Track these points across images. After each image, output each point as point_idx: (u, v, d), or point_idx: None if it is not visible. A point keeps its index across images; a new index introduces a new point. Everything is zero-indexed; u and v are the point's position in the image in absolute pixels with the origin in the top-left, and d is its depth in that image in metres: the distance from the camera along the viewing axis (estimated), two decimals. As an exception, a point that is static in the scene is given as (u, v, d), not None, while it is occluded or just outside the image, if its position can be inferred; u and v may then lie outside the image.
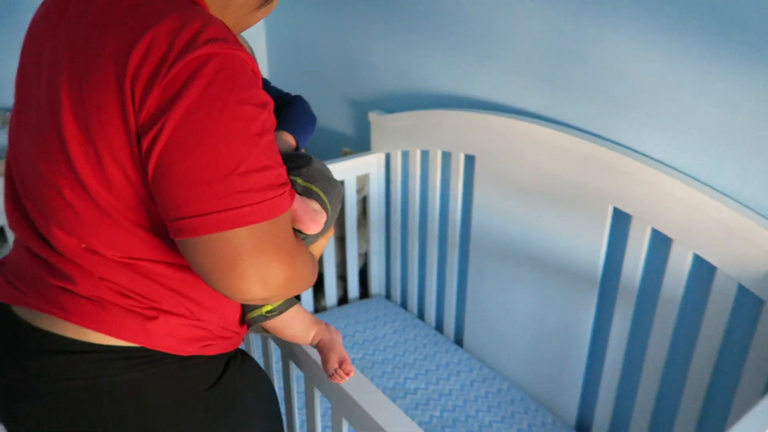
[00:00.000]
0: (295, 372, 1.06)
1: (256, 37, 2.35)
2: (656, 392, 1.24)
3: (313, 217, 0.76)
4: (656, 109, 1.15)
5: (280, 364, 1.43)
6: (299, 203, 0.75)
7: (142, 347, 0.74)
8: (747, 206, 1.06)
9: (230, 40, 0.66)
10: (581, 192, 1.27)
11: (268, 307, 0.84)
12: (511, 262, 1.48)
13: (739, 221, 1.03)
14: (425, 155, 1.70)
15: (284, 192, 0.67)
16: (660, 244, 1.19)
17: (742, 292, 1.07)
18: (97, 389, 0.72)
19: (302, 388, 1.41)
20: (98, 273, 0.72)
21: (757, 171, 1.04)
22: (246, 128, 0.63)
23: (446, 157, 1.64)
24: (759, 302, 1.06)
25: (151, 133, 0.62)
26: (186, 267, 0.75)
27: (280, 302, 0.85)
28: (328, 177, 0.84)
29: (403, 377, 1.55)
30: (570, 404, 1.42)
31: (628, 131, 1.21)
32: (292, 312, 0.87)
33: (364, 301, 1.93)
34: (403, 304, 1.93)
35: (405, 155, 1.77)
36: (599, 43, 1.20)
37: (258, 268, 0.64)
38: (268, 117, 0.67)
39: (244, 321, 0.87)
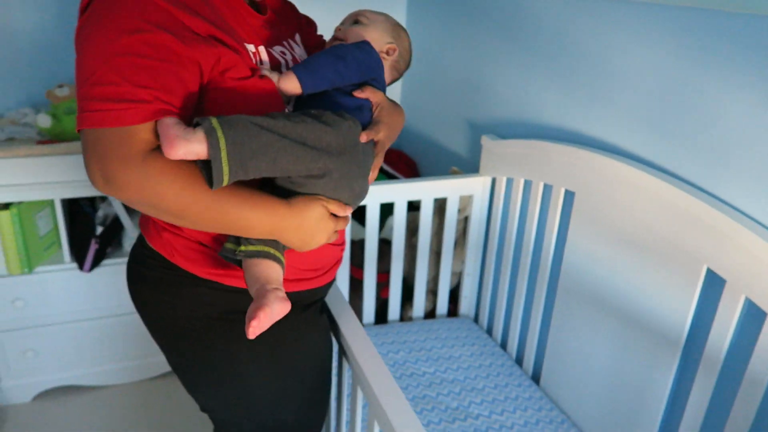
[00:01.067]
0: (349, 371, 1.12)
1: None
2: (730, 475, 1.14)
3: (172, 143, 0.74)
4: (765, 170, 1.06)
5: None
6: (168, 127, 0.75)
7: (166, 258, 0.95)
8: None
9: None
10: (675, 247, 1.20)
11: (242, 247, 0.86)
12: (596, 308, 1.43)
13: None
14: (528, 185, 1.69)
15: (127, 108, 0.75)
16: (754, 317, 1.10)
17: (839, 386, 0.96)
18: (142, 275, 0.99)
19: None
20: None
21: None
22: (102, 48, 0.76)
23: (548, 189, 1.62)
24: None
25: None
26: None
27: (255, 248, 0.85)
28: (269, 131, 0.77)
29: (468, 401, 1.56)
30: (636, 467, 1.34)
31: (735, 189, 1.13)
32: (256, 262, 0.84)
33: (452, 319, 1.95)
34: (489, 330, 1.92)
35: (509, 182, 1.77)
36: (715, 97, 1.14)
37: (100, 165, 0.76)
38: (135, 43, 0.76)
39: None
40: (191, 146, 0.74)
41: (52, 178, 1.75)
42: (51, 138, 1.81)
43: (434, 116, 2.28)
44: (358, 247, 1.92)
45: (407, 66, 1.09)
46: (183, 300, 0.94)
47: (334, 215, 0.89)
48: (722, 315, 1.13)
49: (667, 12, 1.23)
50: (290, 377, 1.01)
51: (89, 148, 0.76)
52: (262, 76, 0.88)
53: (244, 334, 0.94)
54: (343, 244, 1.10)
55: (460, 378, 1.65)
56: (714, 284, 1.16)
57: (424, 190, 1.81)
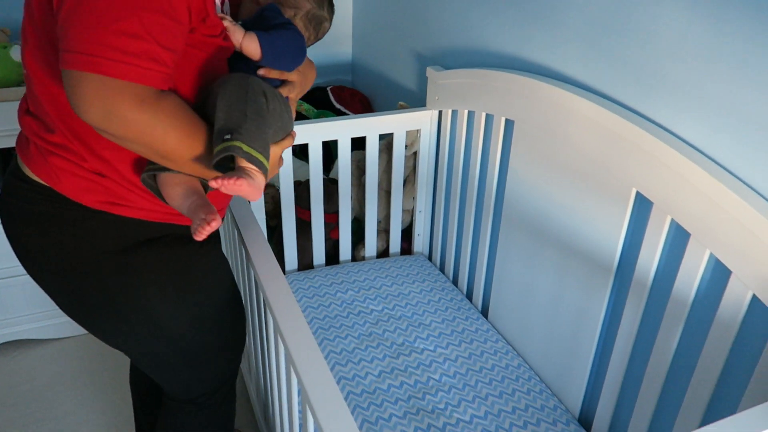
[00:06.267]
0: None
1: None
2: (660, 391, 1.15)
3: (259, 189, 0.81)
4: (695, 90, 1.02)
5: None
6: (239, 181, 0.78)
7: (51, 187, 0.88)
8: (779, 209, 0.93)
9: None
10: (607, 171, 1.17)
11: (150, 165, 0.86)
12: (535, 236, 1.42)
13: (764, 227, 0.91)
14: (471, 116, 1.65)
15: (150, 68, 0.73)
16: (679, 237, 1.08)
17: (756, 303, 0.95)
18: (22, 212, 0.90)
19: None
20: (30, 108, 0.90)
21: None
22: None
23: (489, 119, 1.57)
24: (775, 317, 0.94)
25: None
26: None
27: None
28: (259, 116, 0.84)
29: (414, 336, 1.56)
30: (576, 392, 1.36)
31: (666, 110, 1.09)
32: (173, 176, 0.87)
33: (405, 257, 1.94)
34: (442, 267, 1.91)
35: (455, 114, 1.72)
36: (646, 16, 1.08)
37: (105, 104, 0.72)
38: (162, 6, 0.74)
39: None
40: (260, 182, 0.82)
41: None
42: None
43: (385, 51, 2.20)
44: (304, 187, 1.87)
45: (322, 33, 1.09)
46: (73, 236, 0.88)
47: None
48: (650, 238, 1.12)
49: None
50: (197, 302, 0.99)
51: (94, 87, 0.72)
52: (226, 38, 0.89)
53: (142, 266, 0.91)
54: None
55: (407, 314, 1.64)
56: (644, 209, 1.14)
57: (369, 126, 1.76)
